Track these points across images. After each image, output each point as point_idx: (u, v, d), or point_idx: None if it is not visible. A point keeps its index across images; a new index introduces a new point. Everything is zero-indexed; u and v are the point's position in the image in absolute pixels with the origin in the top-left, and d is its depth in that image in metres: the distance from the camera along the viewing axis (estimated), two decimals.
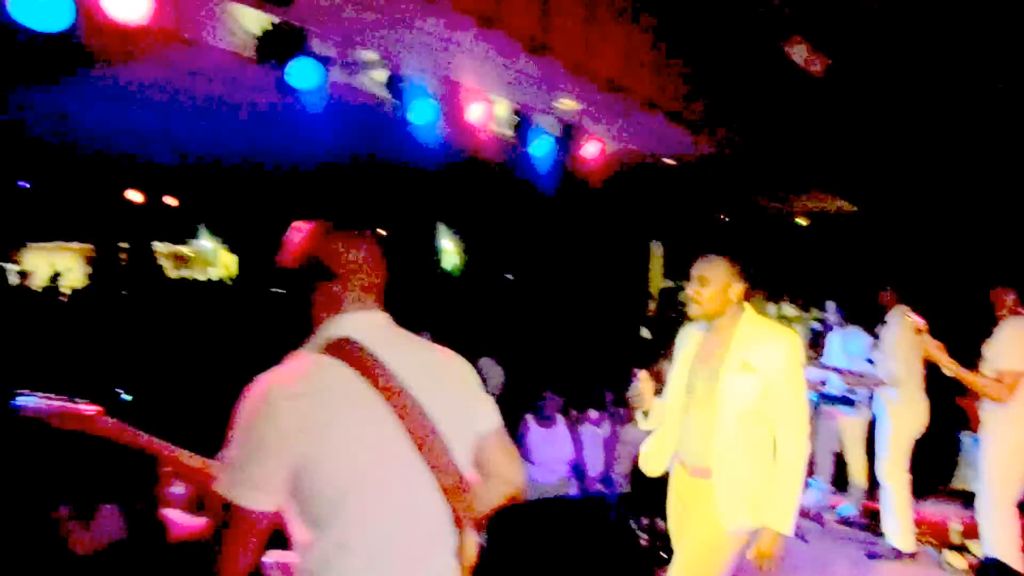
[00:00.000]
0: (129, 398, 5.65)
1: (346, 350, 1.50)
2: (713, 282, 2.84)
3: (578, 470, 5.28)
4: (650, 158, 7.52)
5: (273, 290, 1.67)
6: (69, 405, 1.79)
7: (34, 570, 3.18)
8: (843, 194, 9.35)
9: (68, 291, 16.42)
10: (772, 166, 7.75)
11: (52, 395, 1.81)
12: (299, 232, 1.63)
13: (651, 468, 3.08)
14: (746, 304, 2.90)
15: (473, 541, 1.64)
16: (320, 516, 1.43)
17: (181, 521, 1.59)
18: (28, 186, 11.21)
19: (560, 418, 5.36)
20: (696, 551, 2.84)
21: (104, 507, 3.82)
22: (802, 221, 12.00)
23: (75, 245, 19.83)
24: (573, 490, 5.26)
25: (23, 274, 17.42)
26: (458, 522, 1.56)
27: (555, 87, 5.24)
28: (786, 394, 2.75)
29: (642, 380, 3.01)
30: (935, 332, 4.43)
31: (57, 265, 18.57)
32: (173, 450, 1.83)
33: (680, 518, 2.98)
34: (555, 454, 5.17)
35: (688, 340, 3.04)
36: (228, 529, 1.41)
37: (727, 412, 2.76)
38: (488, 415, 1.71)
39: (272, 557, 1.85)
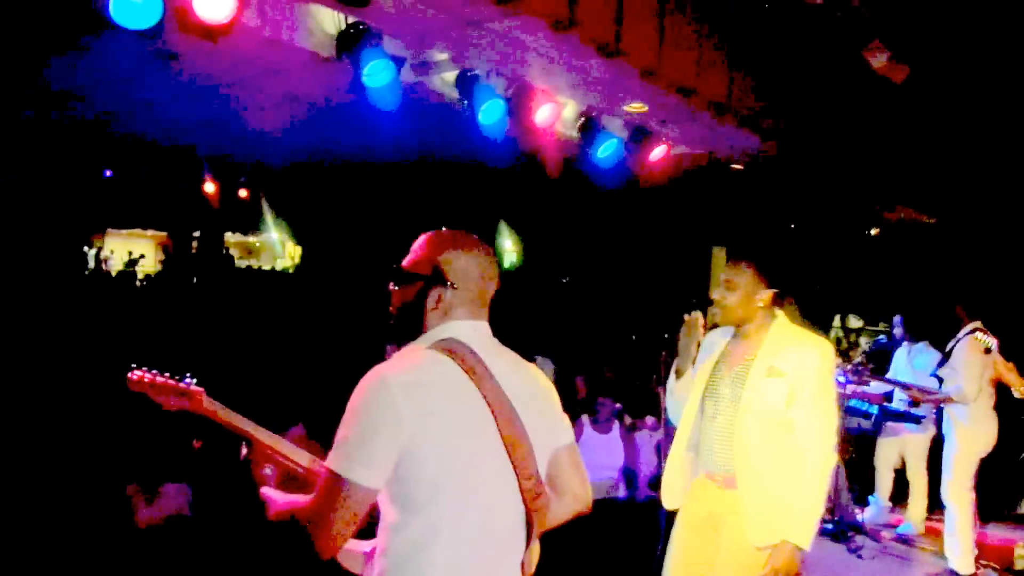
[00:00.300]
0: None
1: (456, 350, 1.60)
2: (739, 288, 2.79)
3: (629, 474, 5.28)
4: (717, 162, 7.45)
5: (389, 287, 1.75)
6: (173, 382, 1.88)
7: (101, 539, 3.37)
8: (919, 205, 9.09)
9: (143, 276, 17.09)
10: (845, 175, 7.59)
11: (159, 371, 1.91)
12: (425, 237, 1.75)
13: (670, 500, 2.94)
14: (778, 311, 2.84)
15: (537, 551, 1.70)
16: (416, 499, 1.52)
17: (280, 498, 1.66)
18: (111, 175, 11.69)
19: (616, 424, 5.37)
20: (729, 571, 2.71)
21: (169, 485, 4.01)
22: (874, 231, 11.70)
23: (151, 233, 20.63)
24: (621, 493, 5.26)
25: (101, 258, 18.19)
26: (531, 528, 1.63)
27: (624, 90, 5.24)
28: (814, 401, 2.66)
29: (690, 325, 2.91)
30: (1008, 351, 4.30)
31: (133, 252, 19.35)
32: (266, 433, 1.91)
33: (703, 534, 2.80)
34: (607, 459, 5.19)
35: (713, 346, 2.96)
36: (333, 504, 1.48)
37: (752, 418, 2.68)
38: (566, 432, 1.81)
39: (354, 544, 1.92)
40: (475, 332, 1.68)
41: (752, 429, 2.68)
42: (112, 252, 19.22)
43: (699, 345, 2.97)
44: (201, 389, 1.90)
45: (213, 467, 3.98)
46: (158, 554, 3.42)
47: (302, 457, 1.92)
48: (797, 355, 2.69)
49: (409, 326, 1.71)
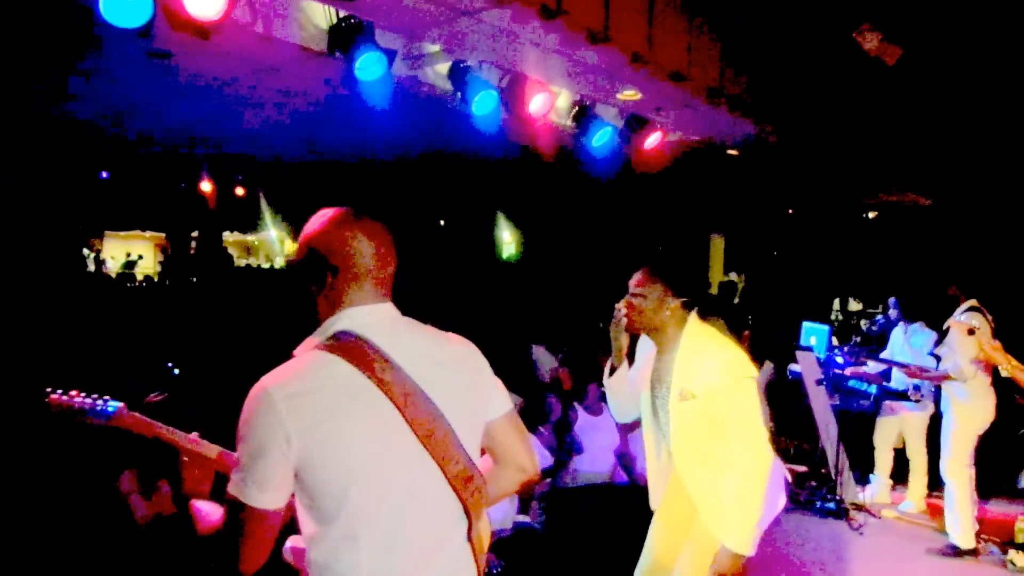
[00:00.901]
0: (177, 371, 5.95)
1: (345, 345, 1.50)
2: (648, 297, 2.78)
3: (623, 458, 5.31)
4: (712, 148, 7.46)
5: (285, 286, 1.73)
6: (91, 401, 1.93)
7: (98, 533, 3.39)
8: (915, 188, 9.10)
9: (141, 277, 17.11)
10: (841, 159, 7.61)
11: (78, 392, 1.95)
12: (311, 221, 1.62)
13: (654, 502, 3.05)
14: (691, 318, 2.79)
15: (486, 528, 1.66)
16: (325, 511, 1.45)
17: (209, 512, 1.66)
18: (107, 177, 11.70)
19: (607, 408, 5.40)
20: (700, 553, 2.76)
21: (163, 482, 4.03)
22: (871, 215, 11.73)
23: (148, 234, 20.66)
24: (622, 477, 5.29)
25: (100, 260, 18.22)
26: (467, 510, 1.56)
27: (617, 78, 5.25)
28: (730, 411, 2.64)
29: (616, 318, 2.86)
30: (1005, 330, 4.32)
31: (131, 253, 19.38)
32: (194, 441, 1.91)
33: (675, 532, 2.91)
34: (602, 442, 5.22)
35: (646, 357, 2.95)
36: (238, 527, 1.44)
37: (683, 439, 2.73)
38: (498, 400, 1.71)
39: (291, 542, 1.91)
40: (372, 318, 1.56)
41: (686, 447, 2.74)
42: (113, 257, 19.27)
43: (629, 338, 2.95)
44: (122, 404, 1.94)
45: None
46: (158, 551, 3.44)
47: (212, 451, 1.92)
48: (703, 371, 2.68)
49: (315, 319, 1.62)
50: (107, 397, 1.97)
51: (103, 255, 18.74)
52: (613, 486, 5.06)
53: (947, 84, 6.25)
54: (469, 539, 1.59)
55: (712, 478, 2.71)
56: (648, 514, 4.26)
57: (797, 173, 8.73)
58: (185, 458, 1.90)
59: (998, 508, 5.78)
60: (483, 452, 1.72)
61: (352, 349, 1.49)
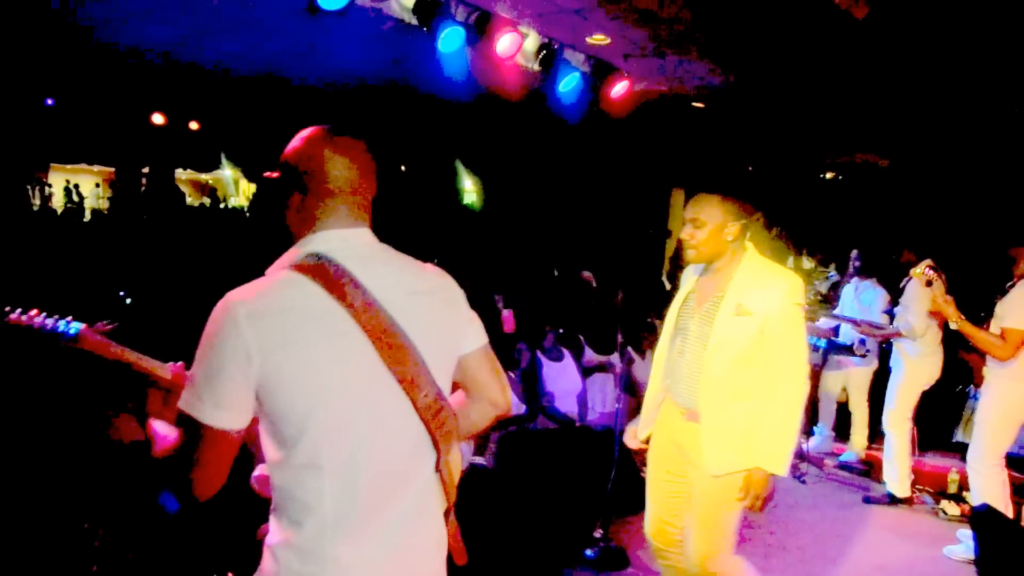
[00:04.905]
0: (129, 301, 5.82)
1: (316, 267, 1.45)
2: (708, 223, 2.73)
3: (582, 401, 5.38)
4: (678, 99, 7.42)
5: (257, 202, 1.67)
6: (52, 320, 1.86)
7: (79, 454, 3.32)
8: (875, 149, 9.21)
9: (89, 212, 16.57)
10: (802, 117, 7.64)
11: (38, 312, 1.87)
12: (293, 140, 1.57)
13: (644, 431, 3.05)
14: (748, 244, 2.80)
15: (458, 458, 1.62)
16: (287, 435, 1.41)
17: (167, 435, 1.56)
18: (52, 104, 11.19)
19: (567, 352, 5.44)
20: (703, 500, 2.79)
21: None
22: (829, 174, 11.88)
23: (96, 168, 19.92)
24: (579, 419, 5.36)
25: (46, 195, 17.57)
26: (435, 442, 1.54)
27: (588, 19, 5.15)
28: (783, 337, 2.66)
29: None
30: (956, 288, 4.43)
31: (80, 187, 18.71)
32: (148, 361, 1.86)
33: (675, 460, 2.91)
34: (566, 386, 5.27)
35: (687, 283, 2.96)
36: (192, 447, 1.39)
37: (718, 356, 2.69)
38: (473, 334, 1.68)
39: (259, 471, 1.87)
40: (346, 242, 1.51)
41: (718, 367, 2.69)
42: (70, 189, 18.50)
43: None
44: (84, 325, 1.87)
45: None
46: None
47: (167, 372, 1.86)
48: (765, 291, 2.67)
49: (288, 238, 1.57)
50: (69, 318, 1.88)
51: (50, 189, 18.06)
52: (567, 428, 5.12)
53: (910, 47, 6.28)
54: (438, 470, 1.56)
55: (731, 403, 2.70)
56: (600, 454, 4.33)
57: (759, 130, 8.76)
58: (151, 381, 1.83)
59: (933, 461, 6.03)
60: (455, 387, 1.69)
61: (323, 271, 1.44)
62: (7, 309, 1.86)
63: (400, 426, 1.50)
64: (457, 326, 1.64)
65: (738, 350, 2.68)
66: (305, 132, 1.55)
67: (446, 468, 1.57)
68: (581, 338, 5.83)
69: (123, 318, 3.34)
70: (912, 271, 4.38)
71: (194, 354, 1.42)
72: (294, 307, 1.41)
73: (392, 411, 1.48)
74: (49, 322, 1.86)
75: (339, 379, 1.42)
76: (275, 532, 1.47)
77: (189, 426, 1.39)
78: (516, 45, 5.33)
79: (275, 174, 1.56)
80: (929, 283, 4.21)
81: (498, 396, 1.72)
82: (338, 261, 1.47)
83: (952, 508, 5.05)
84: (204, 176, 21.65)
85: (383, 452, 1.47)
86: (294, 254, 1.51)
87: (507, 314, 6.39)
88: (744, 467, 2.70)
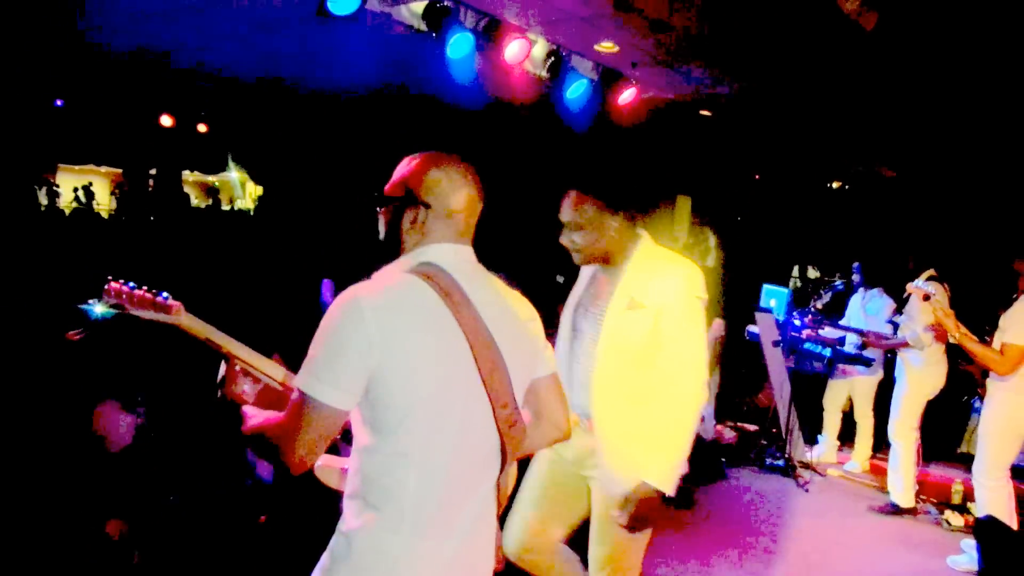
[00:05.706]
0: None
1: (433, 274, 1.57)
2: (584, 224, 2.44)
3: None
4: (686, 107, 7.44)
5: (377, 212, 1.72)
6: (151, 295, 1.81)
7: (70, 459, 3.34)
8: (882, 160, 9.20)
9: (104, 213, 16.61)
10: (810, 127, 7.64)
11: (135, 284, 1.82)
12: (406, 160, 1.71)
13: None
14: (642, 233, 2.51)
15: (513, 474, 1.73)
16: (386, 423, 1.50)
17: (255, 415, 1.65)
18: (62, 105, 11.24)
19: None
20: (609, 524, 2.44)
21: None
22: (835, 185, 11.88)
23: (104, 169, 19.99)
24: None
25: (54, 195, 17.64)
26: (504, 455, 1.64)
27: (597, 28, 5.18)
28: (679, 332, 2.36)
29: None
30: (962, 299, 4.44)
31: (93, 188, 18.78)
32: (244, 348, 1.87)
33: (566, 474, 2.61)
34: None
35: (581, 280, 2.69)
36: (299, 423, 1.47)
37: (612, 357, 2.42)
38: (547, 360, 1.80)
39: (323, 460, 1.90)
40: (456, 256, 1.65)
41: (611, 369, 2.43)
42: (78, 190, 18.60)
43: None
44: (179, 303, 1.84)
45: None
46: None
47: (277, 372, 1.89)
48: (660, 282, 2.39)
49: (391, 250, 1.69)
50: (166, 293, 1.83)
51: (58, 188, 18.12)
52: None
53: (918, 58, 6.29)
54: (496, 483, 1.67)
55: (628, 408, 2.42)
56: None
57: (767, 139, 8.77)
58: (236, 367, 1.86)
59: (938, 471, 6.02)
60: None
61: (439, 279, 1.57)
62: (109, 277, 1.82)
63: (482, 432, 1.61)
64: (536, 351, 1.77)
65: (632, 348, 2.39)
66: (419, 156, 1.69)
67: (504, 479, 1.69)
68: None
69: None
70: (908, 286, 4.37)
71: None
72: (413, 305, 1.53)
73: (478, 417, 1.59)
74: (150, 295, 1.80)
75: (442, 378, 1.53)
76: (350, 518, 1.55)
77: (304, 405, 1.47)
78: (524, 52, 5.35)
79: (394, 193, 1.68)
80: (927, 297, 4.20)
81: (561, 420, 1.83)
82: (449, 272, 1.59)
83: (956, 519, 5.04)
84: (210, 178, 21.72)
85: (465, 453, 1.58)
86: (408, 262, 1.63)
87: None
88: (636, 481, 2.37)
